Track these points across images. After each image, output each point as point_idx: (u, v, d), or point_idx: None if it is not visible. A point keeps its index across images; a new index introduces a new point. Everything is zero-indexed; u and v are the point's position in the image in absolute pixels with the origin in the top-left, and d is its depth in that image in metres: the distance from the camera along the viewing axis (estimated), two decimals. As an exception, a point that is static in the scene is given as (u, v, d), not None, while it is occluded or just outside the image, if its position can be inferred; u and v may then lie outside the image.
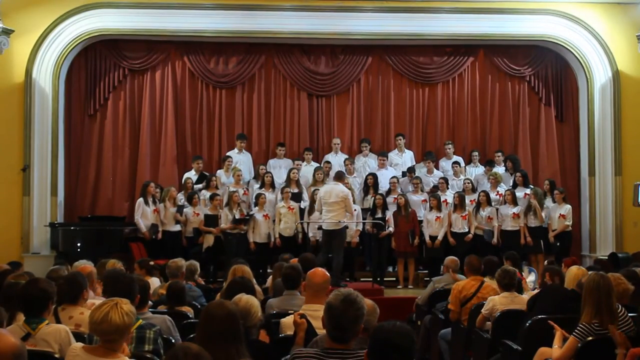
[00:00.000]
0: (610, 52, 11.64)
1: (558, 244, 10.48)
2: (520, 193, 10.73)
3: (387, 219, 10.35)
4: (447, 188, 10.91)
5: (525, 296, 6.11)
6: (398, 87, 12.27)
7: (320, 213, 9.29)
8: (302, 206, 10.59)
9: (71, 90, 11.73)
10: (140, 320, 4.00)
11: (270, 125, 12.13)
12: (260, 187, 10.84)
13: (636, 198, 10.77)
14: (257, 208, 10.43)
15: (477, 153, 11.79)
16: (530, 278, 8.16)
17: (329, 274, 4.53)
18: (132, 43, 11.82)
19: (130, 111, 11.90)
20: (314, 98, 12.22)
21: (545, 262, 8.80)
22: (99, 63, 11.79)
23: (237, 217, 10.18)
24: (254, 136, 12.01)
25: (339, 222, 9.12)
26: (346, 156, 11.55)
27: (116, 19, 11.32)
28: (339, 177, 9.37)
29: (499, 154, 11.73)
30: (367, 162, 11.63)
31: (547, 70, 12.26)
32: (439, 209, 10.45)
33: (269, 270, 9.89)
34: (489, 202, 10.57)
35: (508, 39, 11.89)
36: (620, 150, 11.58)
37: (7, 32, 10.81)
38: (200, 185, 10.96)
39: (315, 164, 11.38)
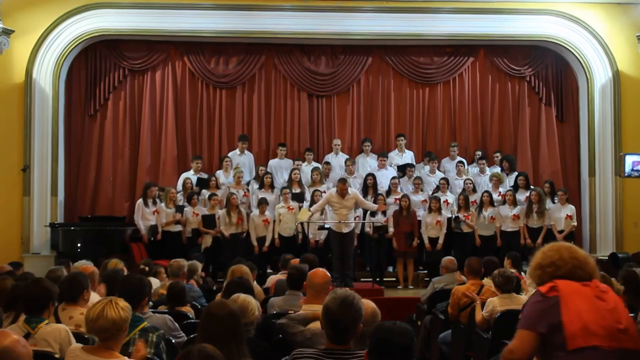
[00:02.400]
0: (610, 52, 11.64)
1: (572, 242, 10.58)
2: (521, 196, 10.72)
3: (386, 219, 10.35)
4: (448, 189, 10.89)
5: (524, 296, 6.11)
6: (398, 88, 12.27)
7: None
8: (304, 206, 10.57)
9: (71, 90, 11.73)
10: (145, 323, 4.00)
11: (270, 126, 12.13)
12: (260, 188, 10.83)
13: (622, 168, 10.86)
14: (257, 211, 10.42)
15: (479, 153, 11.79)
16: (529, 281, 8.14)
17: (329, 274, 4.54)
18: (132, 43, 11.82)
19: (131, 111, 11.90)
20: (314, 98, 12.22)
21: None
22: (99, 63, 11.80)
23: (234, 221, 10.23)
24: (254, 136, 12.01)
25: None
26: (347, 157, 11.54)
27: (116, 19, 11.32)
28: (342, 181, 9.43)
29: (497, 154, 11.74)
30: (367, 162, 11.63)
31: (547, 70, 12.25)
32: (439, 212, 10.43)
33: (268, 271, 9.91)
34: (491, 202, 10.58)
35: (508, 39, 11.89)
36: (620, 150, 11.57)
37: (7, 32, 10.82)
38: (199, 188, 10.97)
39: (316, 164, 11.39)
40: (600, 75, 11.73)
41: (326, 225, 9.77)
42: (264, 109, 12.10)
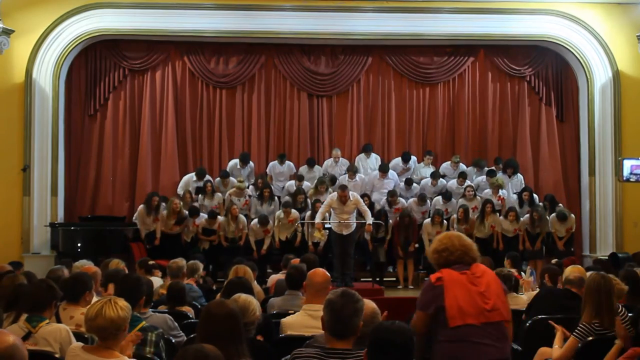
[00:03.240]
0: (610, 52, 11.64)
1: (572, 249, 10.75)
2: (524, 211, 10.75)
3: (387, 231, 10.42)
4: (448, 202, 10.87)
5: (524, 296, 6.11)
6: (398, 87, 12.28)
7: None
8: (305, 216, 10.55)
9: (71, 90, 11.73)
10: (144, 322, 3.99)
11: (270, 126, 12.13)
12: (259, 199, 10.83)
13: (621, 172, 11.03)
14: (258, 223, 10.39)
15: (484, 166, 11.70)
16: (530, 279, 8.14)
17: (329, 274, 4.55)
18: (132, 43, 11.83)
19: (131, 111, 11.90)
20: (314, 98, 12.23)
21: (553, 260, 8.82)
22: (99, 63, 11.80)
23: (232, 229, 10.31)
24: (253, 136, 12.02)
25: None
26: (347, 164, 11.46)
27: (116, 19, 11.32)
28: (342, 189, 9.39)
29: (499, 165, 11.61)
30: (368, 164, 11.61)
31: (548, 70, 12.25)
32: (441, 225, 10.43)
33: (268, 271, 9.92)
34: (493, 210, 10.57)
35: (508, 39, 11.90)
36: (620, 150, 11.57)
37: (7, 32, 10.81)
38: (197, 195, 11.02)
39: (318, 167, 11.39)
40: (600, 75, 11.72)
41: (326, 225, 9.77)
42: (264, 109, 12.11)
